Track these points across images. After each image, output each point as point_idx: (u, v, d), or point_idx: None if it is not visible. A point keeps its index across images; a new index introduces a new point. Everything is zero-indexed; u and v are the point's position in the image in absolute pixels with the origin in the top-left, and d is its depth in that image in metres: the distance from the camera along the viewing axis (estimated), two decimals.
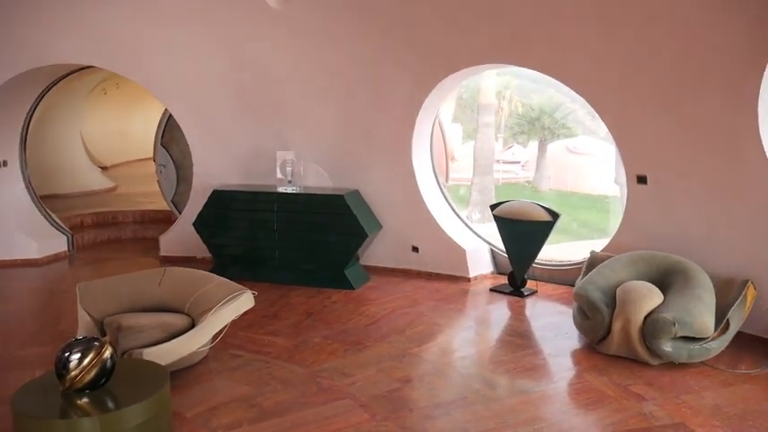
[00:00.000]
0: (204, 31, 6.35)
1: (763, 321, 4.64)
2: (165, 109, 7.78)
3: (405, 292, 6.08)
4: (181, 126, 7.11)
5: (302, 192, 6.46)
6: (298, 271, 6.31)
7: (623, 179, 5.43)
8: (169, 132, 8.09)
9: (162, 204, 8.64)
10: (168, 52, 6.57)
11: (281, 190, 6.46)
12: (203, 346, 4.19)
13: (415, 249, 6.63)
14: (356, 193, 6.49)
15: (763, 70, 4.10)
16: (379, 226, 6.52)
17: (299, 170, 6.55)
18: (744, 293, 4.45)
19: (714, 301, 4.41)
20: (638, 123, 5.08)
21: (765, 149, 4.34)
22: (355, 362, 4.41)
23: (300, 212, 6.31)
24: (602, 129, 5.52)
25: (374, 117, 6.43)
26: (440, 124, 8.85)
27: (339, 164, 6.71)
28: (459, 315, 5.56)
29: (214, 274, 4.64)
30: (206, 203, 6.55)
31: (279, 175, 6.54)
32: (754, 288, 4.54)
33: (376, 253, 6.72)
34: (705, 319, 4.24)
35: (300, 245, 6.31)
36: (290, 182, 6.51)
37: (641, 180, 5.21)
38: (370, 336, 4.93)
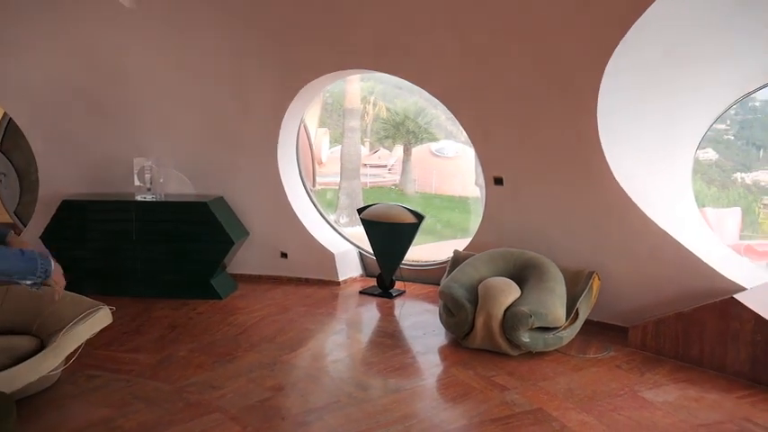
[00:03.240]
0: (48, 28, 5.87)
1: (608, 309, 5.07)
2: (5, 112, 7.13)
3: (274, 298, 6.00)
4: (23, 131, 6.55)
5: (163, 200, 6.18)
6: (161, 283, 6.02)
7: (482, 181, 5.72)
8: (10, 138, 7.44)
9: (3, 217, 7.92)
10: (5, 51, 6.02)
11: (139, 198, 6.14)
12: (55, 369, 3.87)
13: (284, 255, 6.56)
14: (221, 200, 6.31)
15: (601, 80, 4.46)
16: (246, 233, 6.38)
17: (158, 177, 6.25)
18: (590, 284, 4.83)
19: (565, 292, 4.75)
20: (494, 128, 5.36)
21: (604, 151, 4.75)
22: (224, 374, 4.28)
23: (162, 221, 6.02)
24: (463, 133, 5.77)
25: (238, 121, 6.29)
26: (305, 128, 8.83)
27: (202, 170, 6.48)
28: (329, 319, 5.57)
29: (66, 291, 4.30)
30: (55, 215, 6.07)
31: (137, 183, 6.21)
32: (599, 278, 4.94)
33: (244, 260, 6.57)
34: (558, 309, 4.56)
35: (163, 255, 6.02)
36: (149, 189, 6.19)
37: (498, 181, 5.51)
38: (240, 346, 4.81)
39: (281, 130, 6.22)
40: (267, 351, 4.69)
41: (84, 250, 6.08)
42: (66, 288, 2.72)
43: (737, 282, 4.46)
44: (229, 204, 6.39)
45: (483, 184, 5.72)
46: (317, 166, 13.56)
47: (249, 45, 5.86)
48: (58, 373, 4.01)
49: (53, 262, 2.50)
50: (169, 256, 6.02)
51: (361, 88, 16.86)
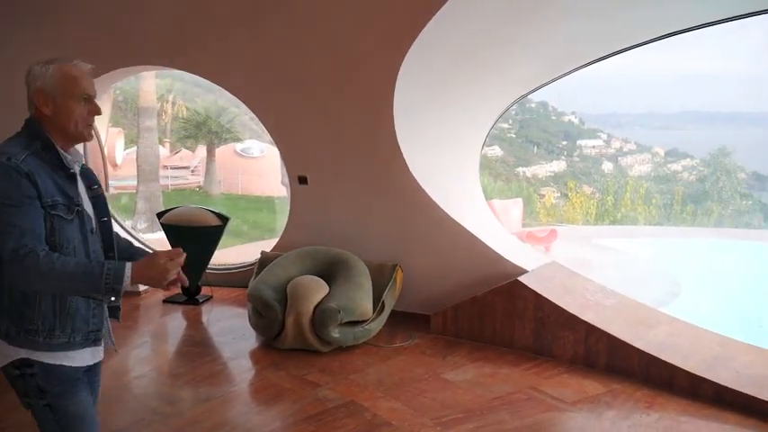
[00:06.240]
0: None
1: (411, 299, 5.33)
2: None
3: None
4: None
5: None
6: None
7: (288, 180, 5.72)
8: None
9: None
10: None
11: None
12: None
13: None
14: None
15: (396, 80, 4.65)
16: None
17: None
18: (394, 276, 5.05)
19: (371, 286, 4.91)
20: (296, 127, 5.37)
21: (402, 150, 4.97)
22: (3, 406, 3.78)
23: None
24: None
25: (9, 123, 5.58)
26: (94, 128, 8.14)
27: None
28: (131, 333, 5.20)
29: None
30: None
31: None
32: (402, 270, 5.18)
33: None
34: (365, 303, 4.71)
35: None
36: None
37: (302, 180, 5.53)
38: None
39: None
40: None
41: None
42: None
43: (521, 265, 4.94)
44: None
45: (288, 183, 5.71)
46: (110, 168, 12.60)
47: (21, 39, 5.25)
48: None
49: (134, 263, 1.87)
50: None
51: (158, 86, 16.00)
